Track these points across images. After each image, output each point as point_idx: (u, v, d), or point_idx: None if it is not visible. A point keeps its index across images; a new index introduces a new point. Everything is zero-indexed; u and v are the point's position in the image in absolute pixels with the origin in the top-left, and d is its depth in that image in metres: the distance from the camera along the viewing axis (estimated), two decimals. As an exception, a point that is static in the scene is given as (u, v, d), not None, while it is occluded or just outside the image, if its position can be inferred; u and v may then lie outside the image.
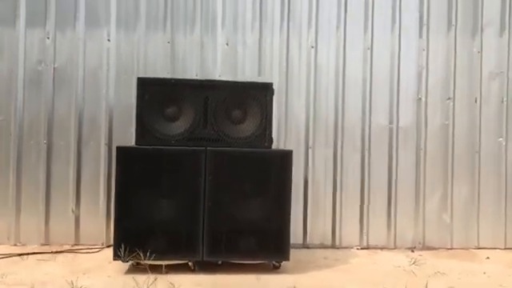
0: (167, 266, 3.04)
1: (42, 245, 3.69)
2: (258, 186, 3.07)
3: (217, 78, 3.72)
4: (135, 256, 2.94)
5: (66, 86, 3.75)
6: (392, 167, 3.95)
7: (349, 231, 3.92)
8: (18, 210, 3.72)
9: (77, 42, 3.77)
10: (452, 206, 3.97)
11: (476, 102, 4.01)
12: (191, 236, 2.99)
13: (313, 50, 3.92)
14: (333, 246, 3.91)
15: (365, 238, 3.93)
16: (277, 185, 3.07)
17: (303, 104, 3.91)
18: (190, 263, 3.06)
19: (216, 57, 3.82)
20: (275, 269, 3.17)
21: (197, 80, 3.34)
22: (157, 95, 3.04)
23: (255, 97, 3.10)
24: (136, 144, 3.03)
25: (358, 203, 3.93)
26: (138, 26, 3.80)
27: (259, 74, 3.84)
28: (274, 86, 3.19)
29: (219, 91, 3.08)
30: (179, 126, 3.06)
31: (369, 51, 3.94)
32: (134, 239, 2.95)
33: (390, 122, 3.97)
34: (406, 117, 3.98)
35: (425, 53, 3.98)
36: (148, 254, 2.90)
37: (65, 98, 3.74)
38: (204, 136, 3.05)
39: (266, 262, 3.13)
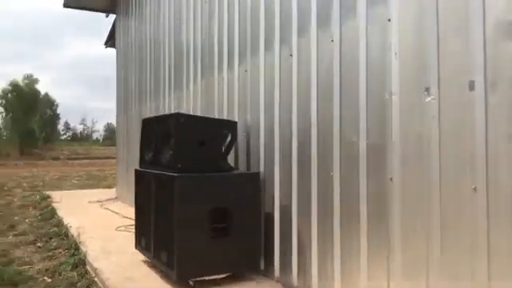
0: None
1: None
2: (165, 208, 3.39)
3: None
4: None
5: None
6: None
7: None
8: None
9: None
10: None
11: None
12: (149, 240, 3.75)
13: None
14: (312, 294, 3.13)
15: (337, 294, 2.88)
16: (172, 208, 3.26)
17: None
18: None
19: None
20: (191, 288, 3.31)
21: (156, 116, 3.92)
22: (146, 130, 4.01)
23: (169, 126, 3.43)
24: (139, 166, 4.12)
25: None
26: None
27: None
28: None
29: (156, 124, 3.68)
30: (151, 153, 3.88)
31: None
32: (139, 235, 4.08)
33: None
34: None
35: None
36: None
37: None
38: (155, 161, 3.72)
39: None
